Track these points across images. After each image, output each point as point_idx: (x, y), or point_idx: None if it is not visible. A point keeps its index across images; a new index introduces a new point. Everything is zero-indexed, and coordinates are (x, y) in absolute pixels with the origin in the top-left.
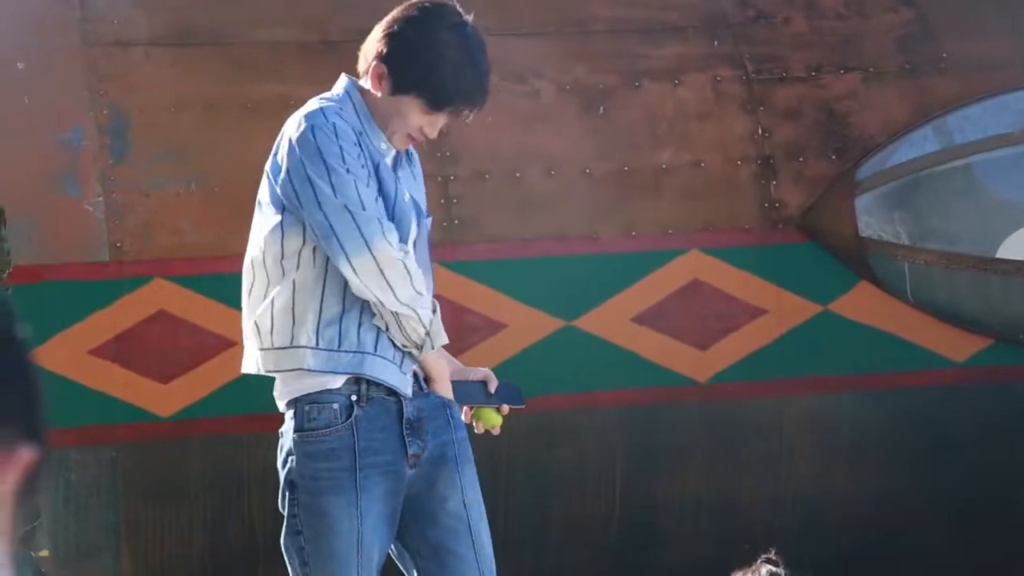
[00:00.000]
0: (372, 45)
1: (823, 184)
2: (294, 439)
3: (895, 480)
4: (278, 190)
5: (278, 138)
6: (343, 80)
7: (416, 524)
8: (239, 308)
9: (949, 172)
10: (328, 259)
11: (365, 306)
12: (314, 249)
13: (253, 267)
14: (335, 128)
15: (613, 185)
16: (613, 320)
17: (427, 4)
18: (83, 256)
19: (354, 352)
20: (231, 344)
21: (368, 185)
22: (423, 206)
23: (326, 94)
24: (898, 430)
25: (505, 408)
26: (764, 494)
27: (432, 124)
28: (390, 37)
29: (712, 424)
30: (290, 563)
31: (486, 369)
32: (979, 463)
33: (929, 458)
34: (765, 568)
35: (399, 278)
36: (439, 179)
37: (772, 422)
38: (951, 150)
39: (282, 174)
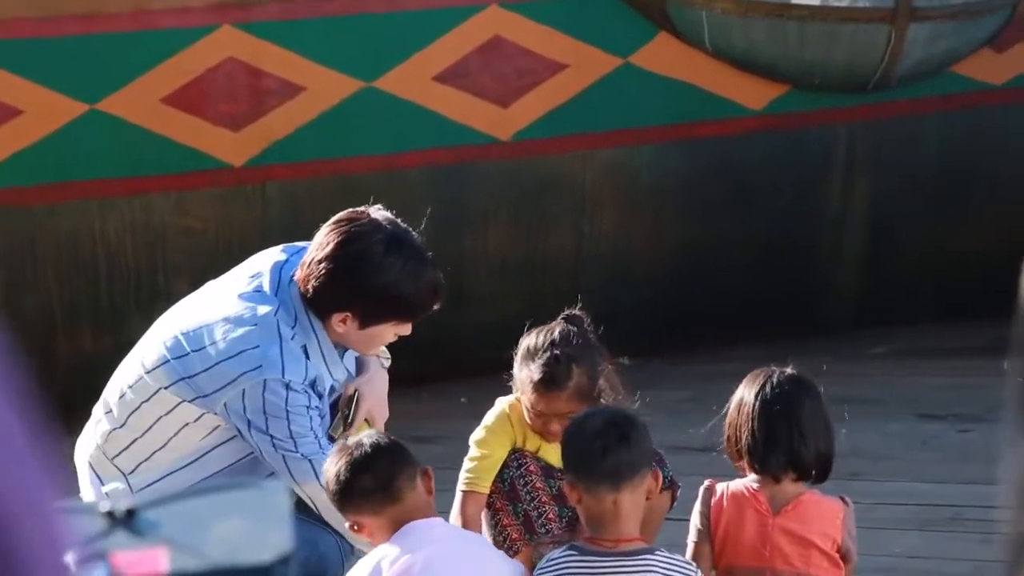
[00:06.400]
0: (321, 290)
1: None
2: None
3: (696, 228)
4: (216, 411)
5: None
6: (302, 312)
7: None
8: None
9: None
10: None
11: None
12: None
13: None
14: (287, 395)
15: None
16: (414, 79)
17: (350, 235)
18: None
19: None
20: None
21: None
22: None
23: (285, 317)
24: (699, 179)
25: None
26: (569, 249)
27: (408, 327)
28: (335, 284)
29: (517, 182)
30: None
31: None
32: (777, 207)
33: (729, 205)
34: (560, 326)
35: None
36: None
37: (577, 177)
38: None
39: (242, 423)
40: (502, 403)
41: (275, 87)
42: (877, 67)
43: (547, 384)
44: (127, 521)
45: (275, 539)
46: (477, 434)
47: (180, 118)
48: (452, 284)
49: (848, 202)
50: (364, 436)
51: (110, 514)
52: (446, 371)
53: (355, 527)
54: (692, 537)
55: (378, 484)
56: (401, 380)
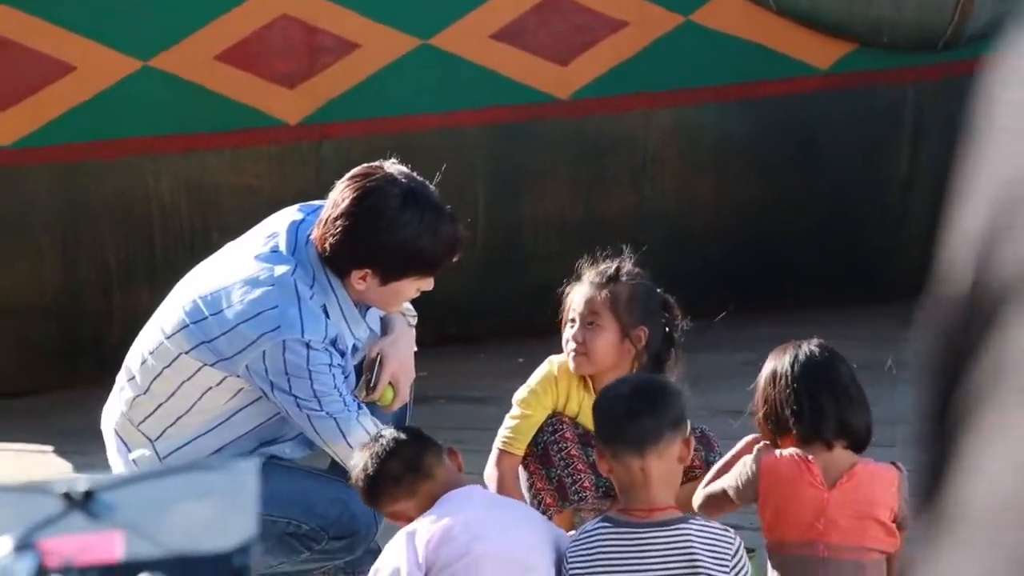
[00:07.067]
0: (338, 248)
1: None
2: None
3: (759, 189)
4: (239, 373)
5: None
6: (320, 270)
7: None
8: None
9: None
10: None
11: None
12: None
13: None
14: (308, 354)
15: None
16: (471, 37)
17: (365, 191)
18: None
19: None
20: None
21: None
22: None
23: (303, 276)
24: (762, 140)
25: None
26: (629, 210)
27: (429, 282)
28: (352, 241)
29: (576, 141)
30: None
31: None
32: (843, 169)
33: (793, 166)
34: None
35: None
36: None
37: (638, 136)
38: None
39: (264, 382)
40: (550, 363)
41: (330, 44)
42: (947, 25)
43: (594, 275)
44: (84, 503)
45: (238, 525)
46: (520, 393)
47: (234, 75)
48: (510, 244)
49: (915, 164)
50: (384, 431)
51: (67, 496)
52: (504, 331)
53: (393, 516)
54: (729, 482)
55: (407, 466)
56: (458, 339)
